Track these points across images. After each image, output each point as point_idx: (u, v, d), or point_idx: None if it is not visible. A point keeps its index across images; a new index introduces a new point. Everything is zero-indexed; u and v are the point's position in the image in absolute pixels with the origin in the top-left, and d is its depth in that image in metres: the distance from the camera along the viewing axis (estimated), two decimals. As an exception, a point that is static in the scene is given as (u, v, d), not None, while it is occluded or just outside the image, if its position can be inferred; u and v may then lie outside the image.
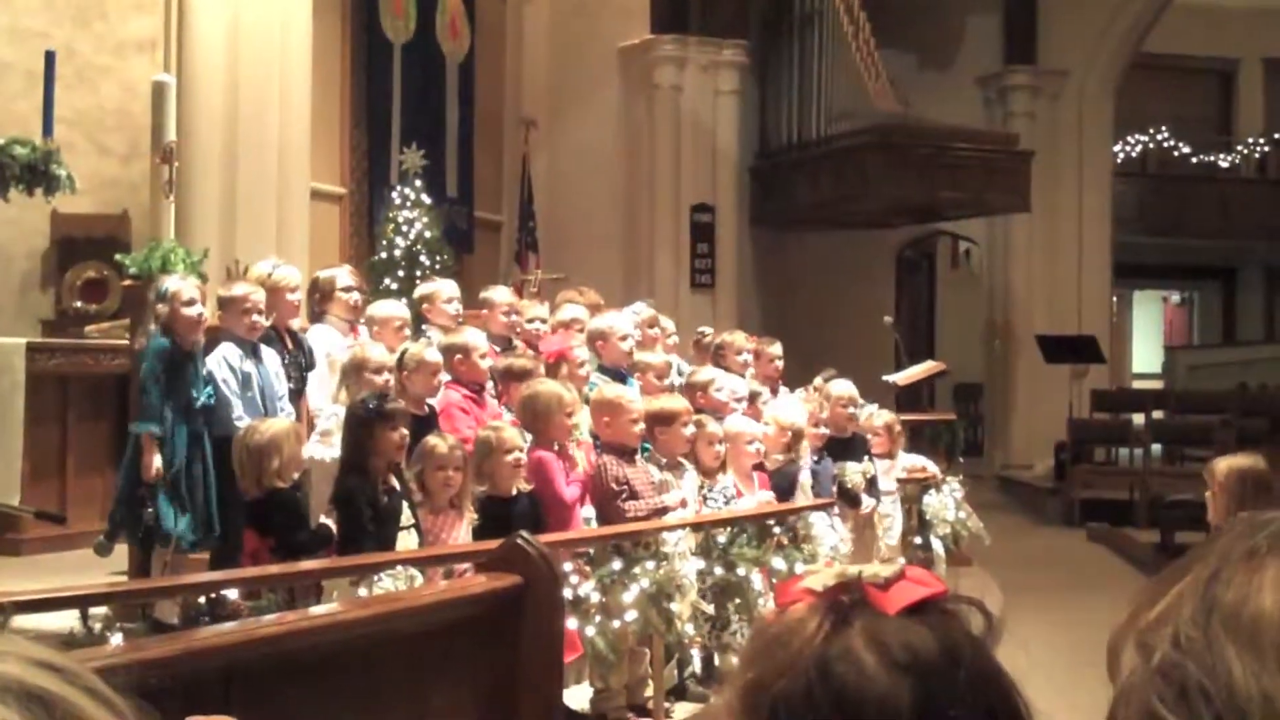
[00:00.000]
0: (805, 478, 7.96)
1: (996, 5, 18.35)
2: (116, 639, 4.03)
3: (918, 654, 1.06)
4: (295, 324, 7.28)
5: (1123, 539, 13.76)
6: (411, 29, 13.42)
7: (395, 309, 7.56)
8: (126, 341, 7.58)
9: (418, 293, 8.20)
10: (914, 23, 17.36)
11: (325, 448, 6.22)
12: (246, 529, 5.61)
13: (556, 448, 6.41)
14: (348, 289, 7.51)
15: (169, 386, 6.35)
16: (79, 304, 10.22)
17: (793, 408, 8.34)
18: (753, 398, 8.30)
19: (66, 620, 4.27)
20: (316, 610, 4.48)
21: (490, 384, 7.12)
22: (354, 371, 6.44)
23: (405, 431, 5.75)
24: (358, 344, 6.94)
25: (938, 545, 9.31)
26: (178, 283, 6.51)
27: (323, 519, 5.83)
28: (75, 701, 0.75)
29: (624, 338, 8.03)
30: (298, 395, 7.02)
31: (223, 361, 6.54)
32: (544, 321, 8.28)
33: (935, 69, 18.00)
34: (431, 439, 5.90)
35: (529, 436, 6.31)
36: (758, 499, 7.33)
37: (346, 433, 5.77)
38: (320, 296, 7.46)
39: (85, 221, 10.31)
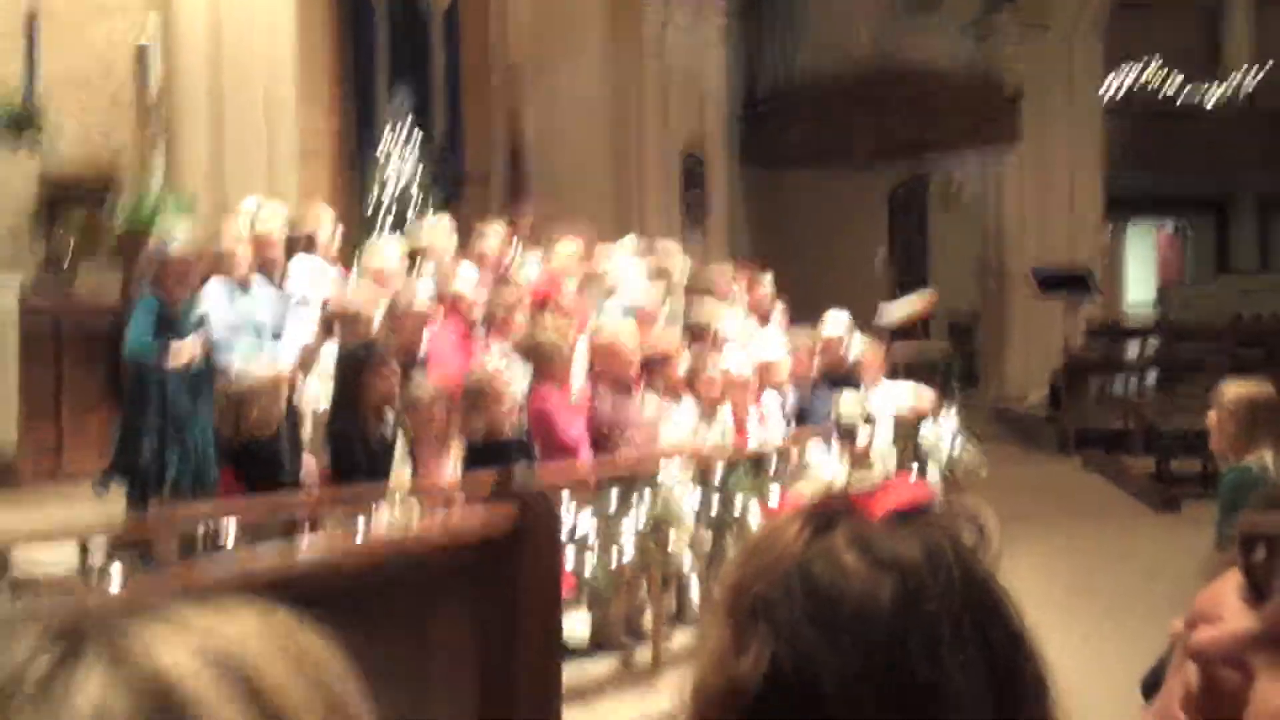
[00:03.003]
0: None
1: (982, -56, 18.23)
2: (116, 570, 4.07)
3: (899, 554, 1.04)
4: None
5: (1119, 467, 13.82)
6: (395, -21, 13.34)
7: (389, 254, 7.57)
8: (118, 292, 7.59)
9: (413, 236, 8.21)
10: (900, -37, 17.25)
11: (328, 385, 6.32)
12: (224, 467, 5.71)
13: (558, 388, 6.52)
14: (330, 236, 7.57)
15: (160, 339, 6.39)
16: (70, 258, 10.21)
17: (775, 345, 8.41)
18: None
19: (66, 555, 4.32)
20: (315, 548, 4.52)
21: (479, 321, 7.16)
22: (343, 317, 6.50)
23: (397, 371, 5.90)
24: (345, 291, 6.97)
25: (934, 474, 9.34)
26: (179, 251, 6.60)
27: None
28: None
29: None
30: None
31: (209, 301, 6.63)
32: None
33: (922, 11, 17.86)
34: (410, 386, 6.02)
35: (524, 376, 6.41)
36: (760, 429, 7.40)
37: (338, 377, 5.95)
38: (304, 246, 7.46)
39: (74, 177, 10.27)
